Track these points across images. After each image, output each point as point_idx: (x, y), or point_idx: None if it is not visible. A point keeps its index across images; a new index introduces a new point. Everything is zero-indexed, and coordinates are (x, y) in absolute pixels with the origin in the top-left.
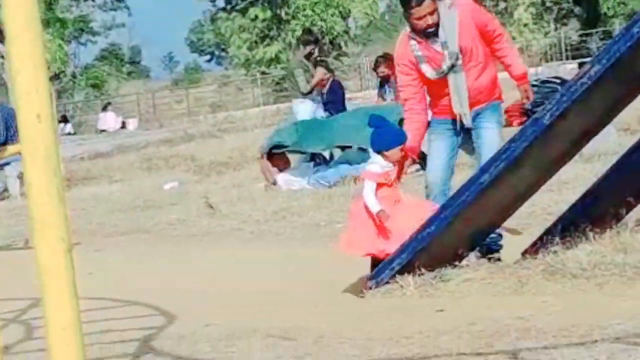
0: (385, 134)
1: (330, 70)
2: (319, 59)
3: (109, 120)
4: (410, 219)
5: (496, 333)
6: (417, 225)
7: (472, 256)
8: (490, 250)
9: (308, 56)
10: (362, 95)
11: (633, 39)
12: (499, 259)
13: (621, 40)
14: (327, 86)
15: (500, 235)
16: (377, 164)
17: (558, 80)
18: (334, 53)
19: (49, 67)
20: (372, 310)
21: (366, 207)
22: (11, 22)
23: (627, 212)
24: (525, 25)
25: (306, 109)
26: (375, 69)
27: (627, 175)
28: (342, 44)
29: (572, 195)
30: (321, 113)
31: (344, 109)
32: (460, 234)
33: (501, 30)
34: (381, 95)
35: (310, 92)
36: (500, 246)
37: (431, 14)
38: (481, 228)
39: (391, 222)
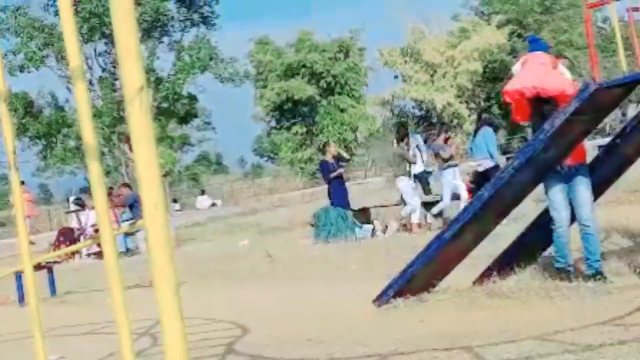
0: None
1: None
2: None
3: (204, 201)
4: None
5: (457, 334)
6: None
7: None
8: (598, 272)
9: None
10: (365, 182)
11: (539, 143)
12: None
13: (534, 142)
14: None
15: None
16: None
17: (496, 167)
18: (347, 155)
19: (162, 168)
20: (376, 321)
21: None
22: (135, 142)
23: (540, 254)
24: (470, 133)
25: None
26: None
27: (539, 231)
28: (352, 148)
29: (504, 244)
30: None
31: None
32: (433, 270)
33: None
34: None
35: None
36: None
37: None
38: (445, 267)
39: None
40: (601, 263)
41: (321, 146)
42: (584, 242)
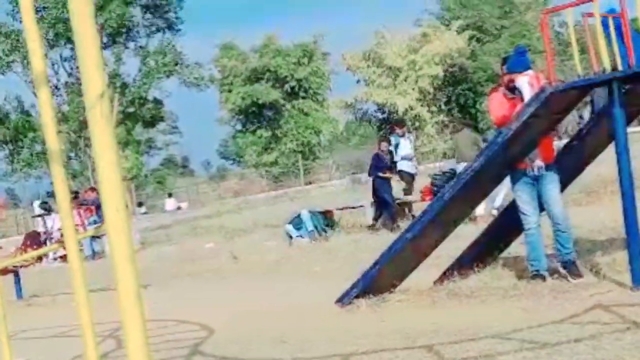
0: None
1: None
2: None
3: (171, 204)
4: None
5: (418, 333)
6: None
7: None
8: (570, 261)
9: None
10: (329, 184)
11: (498, 145)
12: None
13: (491, 146)
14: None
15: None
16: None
17: (453, 171)
18: (311, 157)
19: (129, 172)
20: (339, 321)
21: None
22: (96, 147)
23: (499, 254)
24: (432, 135)
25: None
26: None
27: (499, 230)
28: (316, 151)
29: (464, 243)
30: None
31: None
32: (395, 271)
33: None
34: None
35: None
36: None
37: None
38: (407, 267)
39: None
40: (574, 254)
41: (379, 139)
42: (556, 238)
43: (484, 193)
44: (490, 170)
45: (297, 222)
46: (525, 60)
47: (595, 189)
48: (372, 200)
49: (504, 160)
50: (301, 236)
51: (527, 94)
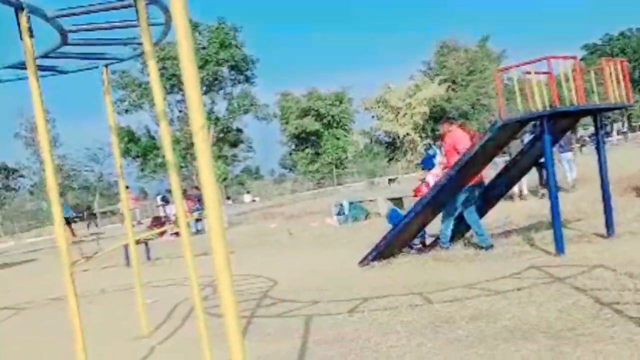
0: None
1: None
2: None
3: (248, 197)
4: None
5: (412, 285)
6: None
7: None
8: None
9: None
10: (353, 185)
11: (454, 170)
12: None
13: (460, 160)
14: None
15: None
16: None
17: None
18: (341, 167)
19: (220, 176)
20: (360, 276)
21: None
22: (199, 161)
23: (465, 233)
24: (422, 152)
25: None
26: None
27: (463, 220)
28: (344, 163)
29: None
30: None
31: None
32: (397, 242)
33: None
34: None
35: None
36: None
37: None
38: (406, 239)
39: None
40: (483, 239)
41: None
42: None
43: (450, 196)
44: (450, 185)
45: (340, 209)
46: (432, 162)
47: (535, 188)
48: None
49: (465, 174)
50: (340, 220)
51: (430, 184)
